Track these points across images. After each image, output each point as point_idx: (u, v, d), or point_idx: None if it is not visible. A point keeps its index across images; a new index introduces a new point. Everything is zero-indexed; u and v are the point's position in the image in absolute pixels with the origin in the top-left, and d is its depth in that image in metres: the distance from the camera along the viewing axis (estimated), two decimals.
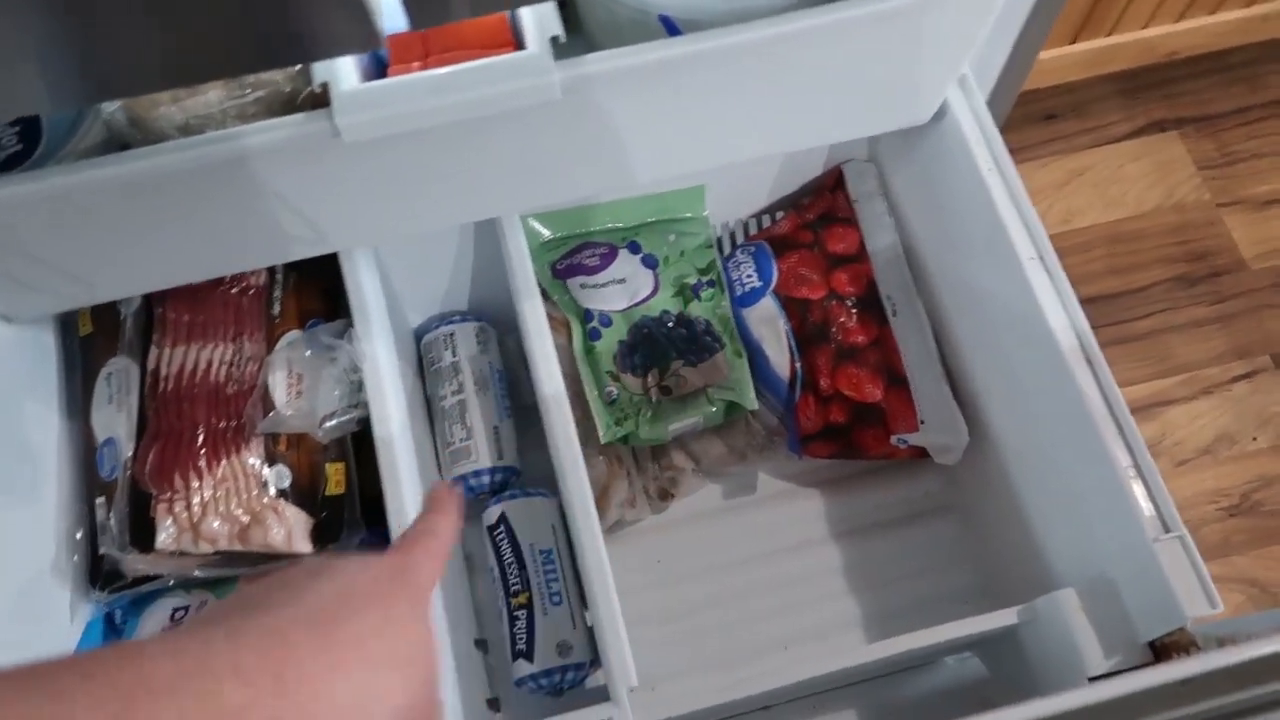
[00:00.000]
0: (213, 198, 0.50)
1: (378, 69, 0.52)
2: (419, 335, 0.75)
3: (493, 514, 0.67)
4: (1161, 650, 0.51)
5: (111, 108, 0.50)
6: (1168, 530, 0.50)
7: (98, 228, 0.51)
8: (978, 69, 0.64)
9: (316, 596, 0.30)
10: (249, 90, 0.50)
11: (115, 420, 0.61)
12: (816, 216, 0.73)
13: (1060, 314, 0.54)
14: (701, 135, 0.57)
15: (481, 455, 0.68)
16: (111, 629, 0.62)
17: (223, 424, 0.61)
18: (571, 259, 0.71)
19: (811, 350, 0.69)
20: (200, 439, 0.60)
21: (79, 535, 0.61)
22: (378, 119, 0.46)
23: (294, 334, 0.64)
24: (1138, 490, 0.51)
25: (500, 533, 0.66)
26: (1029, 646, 0.58)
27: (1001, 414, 0.65)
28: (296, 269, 0.66)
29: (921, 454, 0.69)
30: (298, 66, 0.49)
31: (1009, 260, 0.56)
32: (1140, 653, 0.51)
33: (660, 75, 0.49)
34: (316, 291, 0.67)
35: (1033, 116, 1.09)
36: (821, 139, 0.61)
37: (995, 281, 0.60)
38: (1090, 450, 0.52)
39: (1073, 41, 1.02)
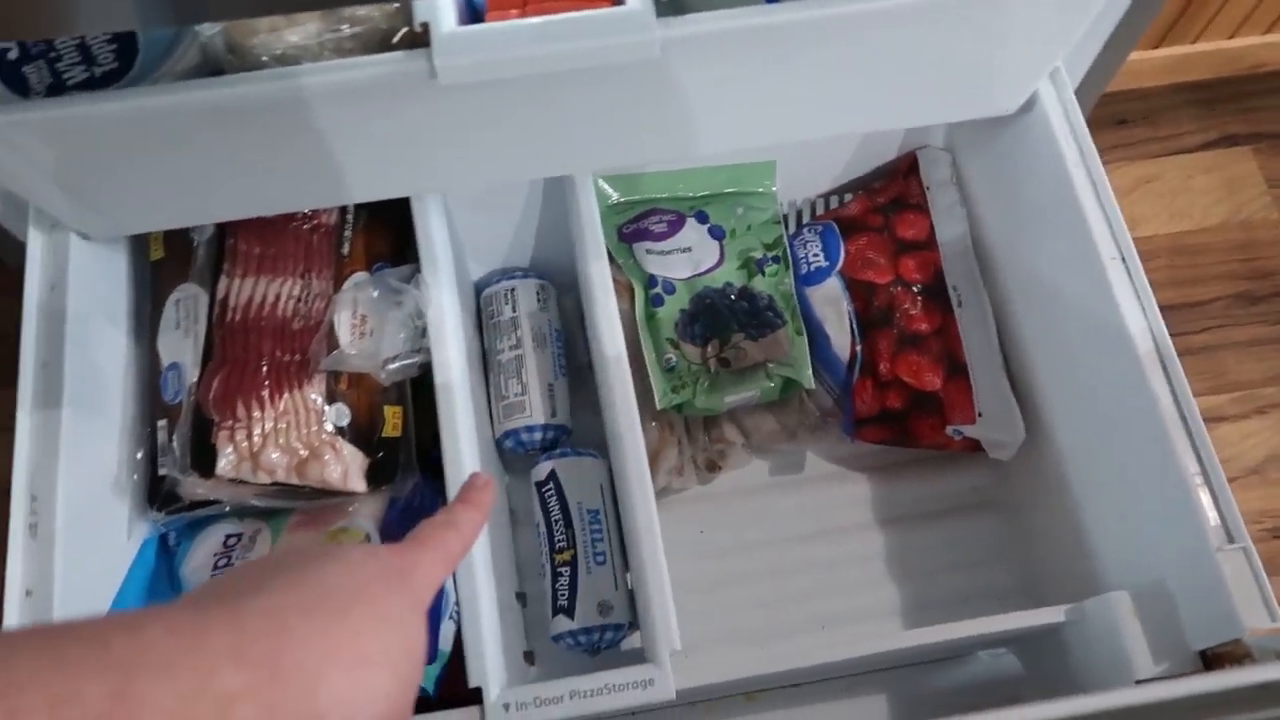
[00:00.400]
0: (299, 131, 0.51)
1: (473, 16, 0.52)
2: (479, 289, 0.75)
3: (542, 470, 0.68)
4: (1213, 660, 0.50)
5: (209, 31, 0.50)
6: (1232, 540, 0.50)
7: (182, 153, 0.51)
8: (1066, 64, 0.63)
9: (318, 585, 0.30)
10: (346, 25, 0.50)
11: (182, 346, 0.62)
12: (888, 201, 0.72)
13: (1138, 316, 0.54)
14: (784, 108, 0.57)
15: (535, 411, 0.69)
16: (165, 550, 0.63)
17: (287, 358, 0.62)
18: (639, 223, 0.71)
19: (873, 334, 0.68)
20: (264, 370, 0.61)
21: (139, 455, 0.62)
22: (477, 63, 0.45)
23: (361, 275, 0.65)
24: (1204, 498, 0.50)
25: (549, 489, 0.67)
26: (1072, 647, 0.58)
27: (1061, 412, 0.64)
28: (367, 210, 0.67)
29: (973, 447, 0.68)
30: (396, 5, 0.49)
31: (1089, 258, 0.56)
32: (1190, 661, 0.51)
33: (758, 42, 0.49)
34: (385, 235, 0.67)
35: (1103, 120, 1.07)
36: (905, 121, 0.61)
37: (1071, 279, 0.59)
38: (1158, 455, 0.52)
39: (1156, 46, 1.00)
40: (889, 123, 0.59)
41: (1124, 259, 0.55)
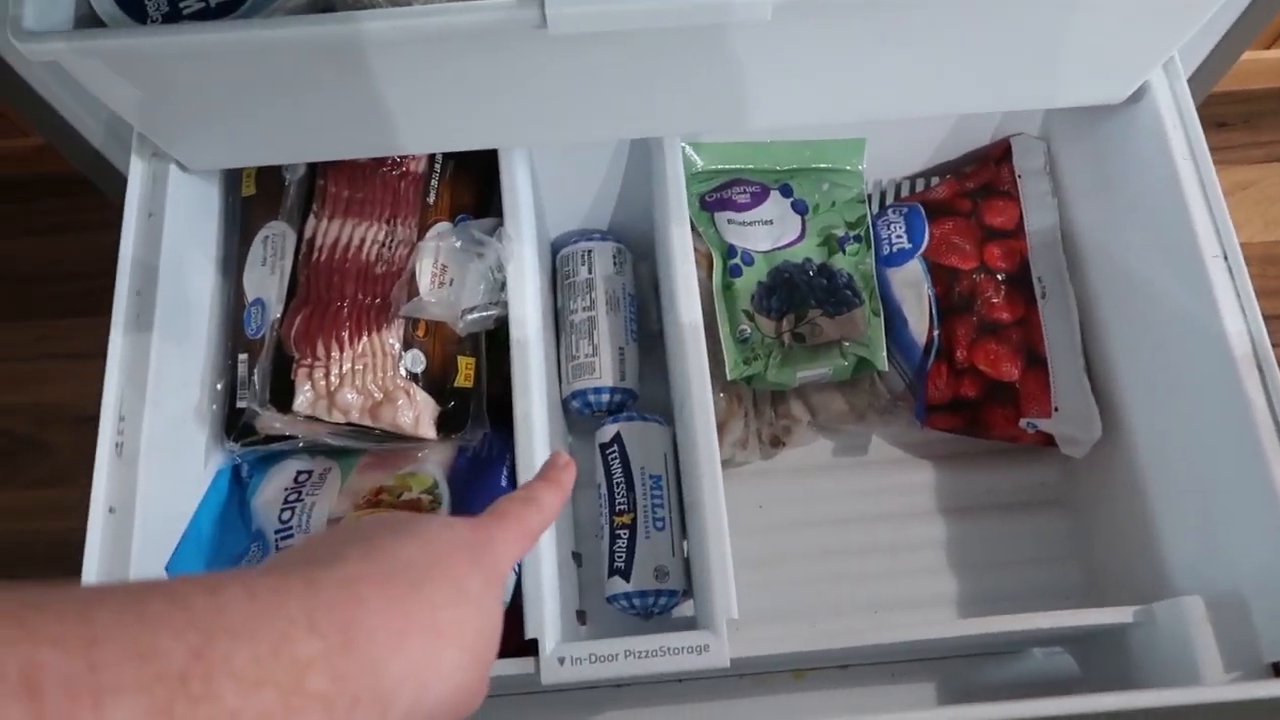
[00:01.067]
0: (400, 74, 0.51)
1: None
2: (555, 248, 0.75)
3: (608, 432, 0.68)
4: None
5: None
6: None
7: (287, 88, 0.52)
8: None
9: (394, 557, 0.30)
10: None
11: (267, 282, 0.63)
12: (977, 186, 0.71)
13: (1238, 318, 0.52)
14: (886, 83, 0.56)
15: (605, 373, 0.69)
16: (238, 481, 0.64)
17: (368, 300, 0.63)
18: (722, 193, 0.70)
19: (952, 320, 0.67)
20: (345, 312, 0.62)
21: (219, 386, 0.63)
22: (587, 14, 0.45)
23: (444, 225, 0.65)
24: None
25: (613, 452, 0.67)
26: (1135, 650, 0.57)
27: (1141, 412, 0.63)
28: (454, 161, 0.67)
29: (1045, 442, 0.67)
30: None
31: (1190, 256, 0.54)
32: (1263, 672, 0.49)
33: (870, 11, 0.48)
34: (469, 187, 0.68)
35: (1203, 121, 1.04)
36: (1010, 104, 0.59)
37: (1168, 276, 0.57)
38: (1247, 462, 0.50)
39: (1269, 46, 0.97)
40: (993, 104, 0.58)
41: (1227, 258, 0.53)
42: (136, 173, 0.59)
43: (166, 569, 0.56)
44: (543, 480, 0.39)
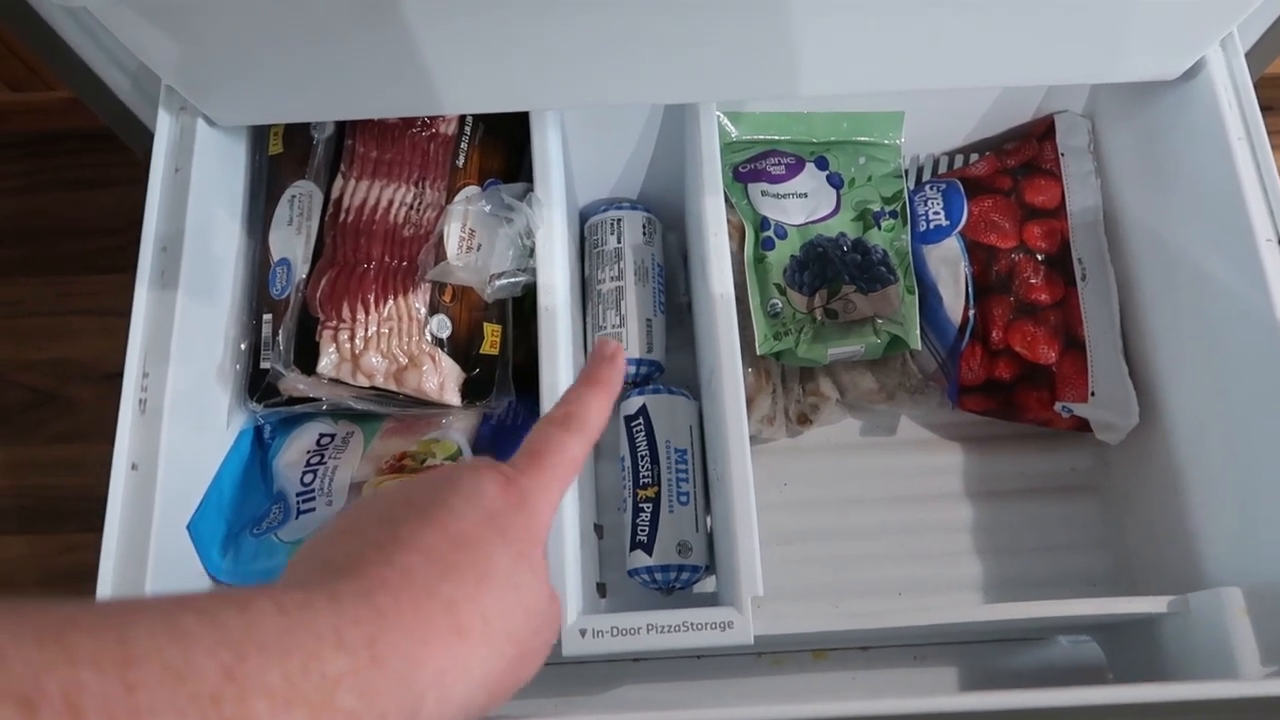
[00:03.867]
0: (439, 22, 0.49)
1: None
2: (584, 216, 0.74)
3: (633, 404, 0.67)
4: None
5: None
6: None
7: (321, 38, 0.50)
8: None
9: (412, 548, 0.29)
10: None
11: (294, 242, 0.62)
12: (1018, 164, 0.69)
13: None
14: (931, 50, 0.54)
15: (631, 344, 0.68)
16: (260, 442, 0.64)
17: (395, 263, 0.62)
18: (756, 164, 0.69)
19: (988, 300, 0.66)
20: (372, 274, 0.61)
21: (244, 346, 0.63)
22: None
23: (473, 189, 0.64)
24: None
25: (638, 424, 0.66)
26: (1167, 640, 0.56)
27: (1182, 398, 0.61)
28: (484, 125, 0.66)
29: (1079, 427, 0.66)
30: None
31: (1241, 239, 0.52)
32: None
33: None
34: (499, 151, 0.67)
35: None
36: (1060, 77, 0.58)
37: (1218, 260, 0.56)
38: None
39: None
40: (1038, 77, 0.56)
41: None
42: (164, 127, 0.58)
43: (188, 528, 0.55)
44: (587, 383, 0.35)
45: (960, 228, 0.67)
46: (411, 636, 0.27)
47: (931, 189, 0.70)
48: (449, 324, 0.62)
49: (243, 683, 0.22)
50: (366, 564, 0.28)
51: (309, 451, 0.62)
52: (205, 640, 0.22)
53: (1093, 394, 0.63)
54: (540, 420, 0.35)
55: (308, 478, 0.60)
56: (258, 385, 0.62)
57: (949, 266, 0.67)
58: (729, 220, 0.67)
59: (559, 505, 0.34)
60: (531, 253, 0.62)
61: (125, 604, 0.24)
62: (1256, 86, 0.71)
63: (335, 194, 0.63)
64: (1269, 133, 1.01)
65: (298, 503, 0.59)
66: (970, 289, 0.66)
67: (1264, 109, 1.01)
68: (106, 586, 0.49)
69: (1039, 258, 0.66)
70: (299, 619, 0.25)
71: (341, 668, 0.24)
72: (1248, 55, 0.58)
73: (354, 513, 0.32)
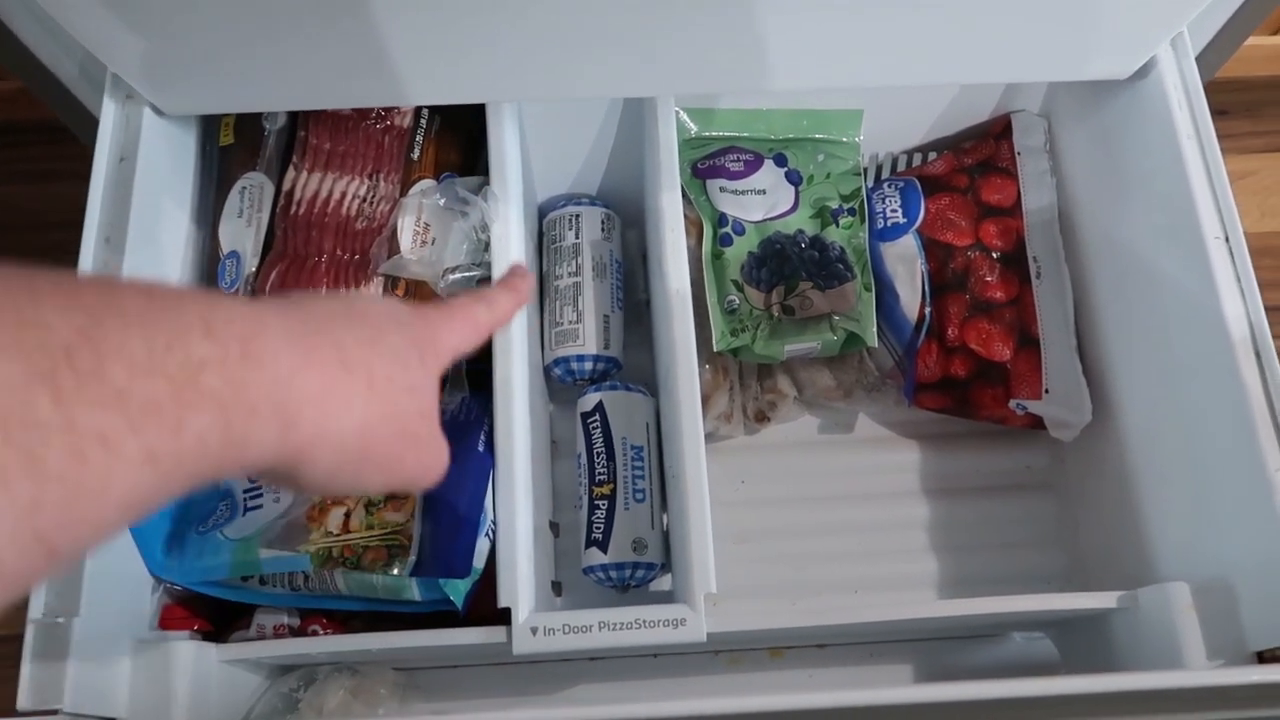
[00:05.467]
0: (398, 8, 0.48)
1: None
2: (543, 212, 0.74)
3: (589, 401, 0.66)
4: (1268, 661, 0.48)
5: None
6: None
7: (271, 22, 0.49)
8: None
9: (311, 306, 0.30)
10: None
11: (244, 235, 0.61)
12: (975, 162, 0.69)
13: (1237, 301, 0.51)
14: (890, 47, 0.54)
15: (588, 340, 0.67)
16: None
17: (346, 257, 0.61)
18: (715, 160, 0.69)
19: (944, 297, 0.66)
20: (323, 268, 0.60)
21: None
22: None
23: (428, 182, 0.63)
24: None
25: (594, 421, 0.66)
26: (1118, 635, 0.56)
27: (1133, 396, 0.62)
28: (440, 117, 0.65)
29: (1033, 424, 0.66)
30: None
31: (1190, 237, 0.53)
32: (1246, 660, 0.49)
33: None
34: (455, 145, 0.66)
35: None
36: (1012, 75, 0.58)
37: (1167, 258, 0.56)
38: (1240, 447, 0.49)
39: (1274, 33, 0.95)
40: (994, 75, 0.56)
41: (1228, 240, 0.52)
42: (109, 115, 0.57)
43: (130, 530, 0.54)
44: (500, 285, 0.39)
45: (917, 225, 0.68)
46: (293, 350, 0.27)
47: (890, 187, 0.70)
48: None
49: (98, 344, 0.22)
50: (261, 303, 0.28)
51: None
52: (60, 300, 0.22)
53: (1047, 391, 0.63)
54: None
55: None
56: None
57: (906, 264, 0.67)
58: (687, 216, 0.66)
59: (458, 348, 0.36)
60: (487, 247, 0.61)
61: None
62: (1208, 90, 0.72)
63: (287, 186, 0.62)
64: (1221, 136, 1.03)
65: (245, 499, 0.58)
66: (927, 286, 0.66)
67: (1217, 113, 1.03)
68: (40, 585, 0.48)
69: (995, 256, 0.66)
70: (167, 303, 0.24)
71: (208, 353, 0.24)
72: (1198, 58, 0.59)
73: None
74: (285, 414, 0.26)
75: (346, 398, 0.28)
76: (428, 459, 0.32)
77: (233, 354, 0.24)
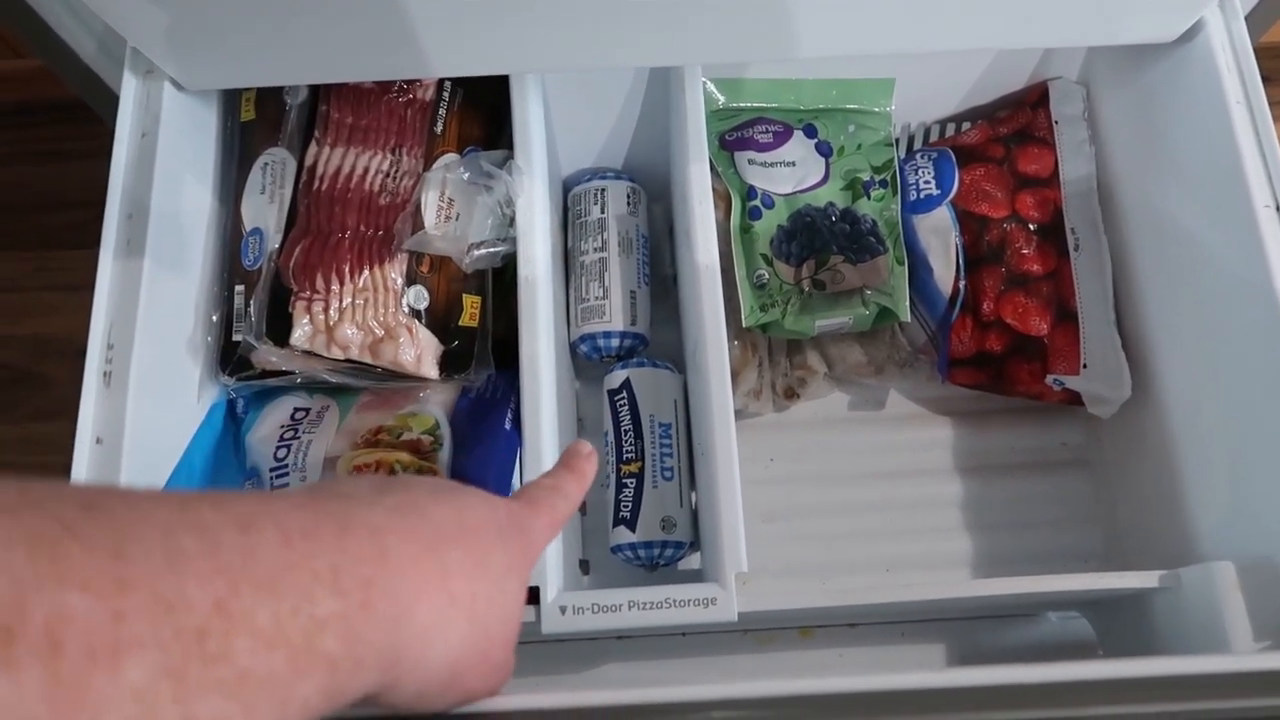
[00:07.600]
0: None
1: None
2: (568, 186, 0.72)
3: (617, 379, 0.66)
4: None
5: None
6: None
7: None
8: None
9: (424, 515, 0.29)
10: None
11: (266, 211, 0.61)
12: (1011, 132, 0.67)
13: None
14: (925, 10, 0.52)
15: (615, 316, 0.66)
16: (232, 417, 0.62)
17: (370, 232, 0.60)
18: (743, 132, 0.67)
19: (979, 271, 0.64)
20: (347, 244, 0.59)
21: (215, 318, 0.61)
22: None
23: (452, 156, 0.62)
24: None
25: (622, 398, 0.65)
26: (1158, 616, 0.55)
27: (1174, 371, 0.60)
28: (463, 91, 0.64)
29: (1070, 400, 0.65)
30: None
31: (1239, 206, 0.51)
32: None
33: None
34: (478, 119, 0.65)
35: None
36: (1052, 39, 0.56)
37: (1214, 229, 0.54)
38: None
39: None
40: (1031, 40, 0.54)
41: (1279, 208, 0.50)
42: (129, 90, 0.56)
43: None
44: (565, 469, 0.39)
45: (951, 197, 0.66)
46: (408, 588, 0.27)
47: (922, 157, 0.68)
48: (426, 295, 0.60)
49: (230, 620, 0.22)
50: (383, 507, 0.28)
51: (283, 426, 0.61)
52: (200, 566, 0.22)
53: (1085, 366, 0.62)
54: (528, 485, 0.38)
55: (281, 453, 0.59)
56: (229, 358, 0.60)
57: (939, 237, 0.65)
58: (715, 189, 0.65)
59: (544, 548, 0.36)
60: (511, 222, 0.60)
61: (127, 503, 0.23)
62: (1254, 55, 0.69)
63: (309, 161, 0.61)
64: (1270, 104, 0.99)
65: (271, 478, 0.58)
66: (961, 259, 0.65)
67: (1262, 79, 1.00)
68: None
69: (1031, 228, 0.65)
70: (301, 551, 0.24)
71: (331, 610, 0.24)
72: (1247, 18, 0.57)
73: (372, 476, 0.32)
74: (388, 659, 0.26)
75: (446, 632, 0.29)
76: (494, 682, 0.33)
77: (353, 606, 0.25)
